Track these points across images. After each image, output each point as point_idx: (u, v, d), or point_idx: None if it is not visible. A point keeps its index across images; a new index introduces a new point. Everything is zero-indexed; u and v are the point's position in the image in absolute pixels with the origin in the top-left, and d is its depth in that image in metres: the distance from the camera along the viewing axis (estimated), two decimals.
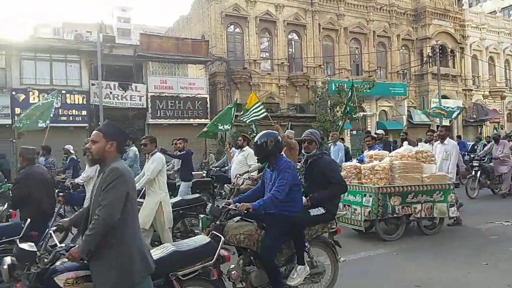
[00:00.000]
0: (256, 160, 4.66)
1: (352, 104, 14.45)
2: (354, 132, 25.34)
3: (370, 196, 5.98)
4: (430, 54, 26.70)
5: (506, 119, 32.70)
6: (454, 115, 18.06)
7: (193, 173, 8.89)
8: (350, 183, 6.38)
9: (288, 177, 3.57)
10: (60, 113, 17.55)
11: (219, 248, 3.14)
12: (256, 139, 3.80)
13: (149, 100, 19.34)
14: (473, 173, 10.22)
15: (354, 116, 21.69)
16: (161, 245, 3.19)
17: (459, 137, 19.56)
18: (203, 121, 20.01)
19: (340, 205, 6.50)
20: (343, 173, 6.73)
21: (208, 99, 20.80)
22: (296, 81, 23.74)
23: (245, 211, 3.43)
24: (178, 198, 6.34)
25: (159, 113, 19.60)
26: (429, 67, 27.38)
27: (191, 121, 20.06)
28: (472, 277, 4.48)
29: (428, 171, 6.37)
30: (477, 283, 4.33)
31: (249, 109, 10.86)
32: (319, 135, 4.26)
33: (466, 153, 13.75)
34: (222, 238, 3.24)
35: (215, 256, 3.07)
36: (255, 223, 3.67)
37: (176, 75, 20.14)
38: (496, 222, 7.19)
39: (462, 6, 32.18)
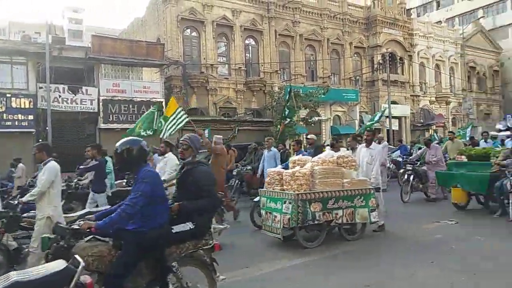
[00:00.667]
0: (174, 168, 4.32)
1: (291, 107, 14.65)
2: (310, 136, 25.95)
3: (290, 203, 5.82)
4: (380, 62, 28.06)
5: (451, 123, 34.87)
6: (376, 118, 18.97)
7: (114, 182, 8.54)
8: (273, 189, 6.32)
9: (144, 188, 3.17)
10: (5, 117, 16.71)
11: (76, 275, 2.67)
12: (116, 146, 3.39)
13: (100, 104, 18.80)
14: (406, 177, 10.38)
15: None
16: (4, 275, 2.67)
17: (400, 141, 20.45)
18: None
19: (263, 212, 6.47)
20: (267, 179, 6.69)
21: (163, 104, 20.53)
22: (253, 86, 24.02)
23: (88, 230, 3.03)
24: (85, 211, 5.45)
25: (111, 118, 19.10)
26: (380, 74, 28.72)
27: None
28: (419, 276, 4.64)
29: (348, 176, 6.34)
30: (423, 281, 4.48)
31: (170, 116, 9.66)
32: (199, 141, 3.97)
33: (404, 157, 14.40)
34: (82, 263, 2.78)
35: (72, 285, 2.62)
36: (110, 241, 3.21)
37: (130, 79, 19.75)
38: (441, 221, 7.47)
39: (411, 16, 34.04)
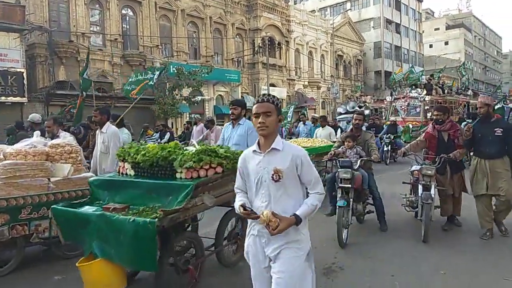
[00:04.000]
0: None
1: (86, 78, 12.33)
2: (193, 115, 26.20)
3: None
4: (260, 45, 29.55)
5: (321, 106, 38.88)
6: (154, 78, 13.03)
7: None
8: None
9: None
10: None
11: None
12: None
13: None
14: None
15: (192, 100, 22.59)
16: None
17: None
18: (18, 99, 17.63)
19: None
20: None
21: (25, 74, 18.31)
22: (131, 60, 23.03)
23: None
24: None
25: None
26: (260, 57, 30.29)
27: (3, 99, 17.39)
28: None
29: (59, 173, 4.62)
30: None
31: None
32: None
33: None
34: None
35: None
36: None
37: None
38: None
39: (288, 2, 36.39)
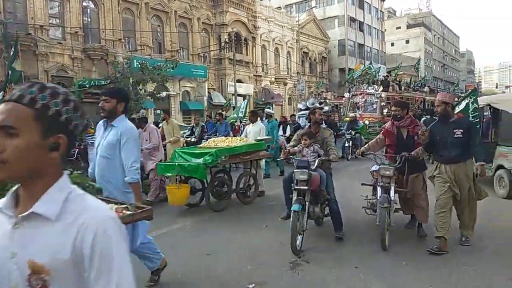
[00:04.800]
0: None
1: (15, 69, 11.34)
2: (159, 111, 25.89)
3: None
4: (227, 40, 29.52)
5: (287, 102, 39.35)
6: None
7: None
8: None
9: None
10: None
11: None
12: None
13: None
14: None
15: (157, 96, 22.23)
16: None
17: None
18: None
19: None
20: None
21: None
22: (93, 53, 22.43)
23: None
24: None
25: None
26: (226, 52, 30.25)
27: None
28: (256, 238, 5.33)
29: None
30: (258, 242, 5.17)
31: None
32: None
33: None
34: None
35: None
36: None
37: None
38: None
39: None
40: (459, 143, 4.56)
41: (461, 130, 4.57)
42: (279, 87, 38.08)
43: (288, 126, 13.13)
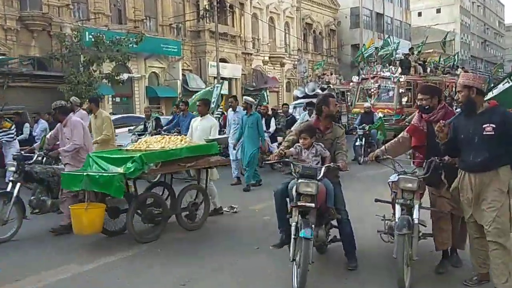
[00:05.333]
0: None
1: None
2: (118, 99, 25.71)
3: None
4: (207, 8, 29.37)
5: (285, 88, 39.30)
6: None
7: None
8: None
9: None
10: None
11: None
12: None
13: None
14: None
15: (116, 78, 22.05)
16: None
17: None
18: None
19: None
20: None
21: None
22: (32, 24, 22.28)
23: None
24: None
25: None
26: (207, 23, 30.10)
27: None
28: (245, 263, 5.29)
29: None
30: (248, 268, 5.15)
31: None
32: None
33: None
34: None
35: None
36: None
37: None
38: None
39: None
40: (489, 143, 4.10)
41: (493, 125, 4.06)
42: (274, 69, 38.02)
43: (273, 119, 12.82)
